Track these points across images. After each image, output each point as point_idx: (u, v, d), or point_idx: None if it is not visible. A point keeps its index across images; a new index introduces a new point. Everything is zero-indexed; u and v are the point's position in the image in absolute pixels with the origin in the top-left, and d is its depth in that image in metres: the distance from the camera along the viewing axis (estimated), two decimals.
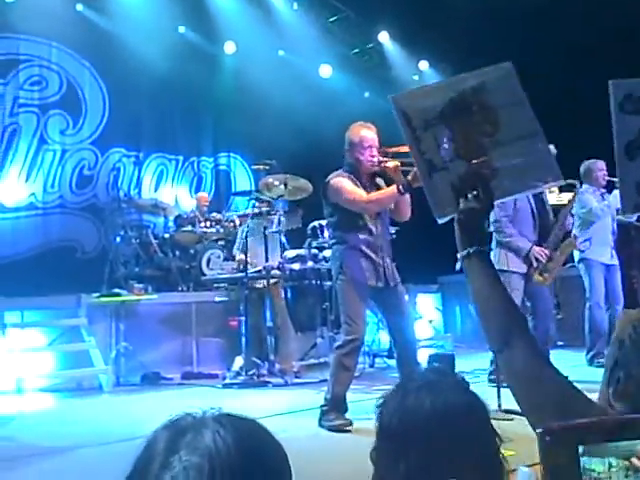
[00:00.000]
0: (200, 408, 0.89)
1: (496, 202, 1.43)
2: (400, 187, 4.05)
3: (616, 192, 5.91)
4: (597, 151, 6.06)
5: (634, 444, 0.97)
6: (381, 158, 4.25)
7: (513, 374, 1.33)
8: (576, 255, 6.19)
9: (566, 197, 6.27)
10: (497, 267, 4.58)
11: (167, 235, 7.66)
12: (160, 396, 5.58)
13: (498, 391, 4.22)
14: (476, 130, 1.44)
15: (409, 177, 3.98)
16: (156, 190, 9.50)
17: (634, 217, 5.93)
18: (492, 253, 5.31)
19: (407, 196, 4.21)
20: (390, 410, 1.24)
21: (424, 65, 10.81)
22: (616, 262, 6.10)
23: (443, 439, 1.17)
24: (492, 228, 5.18)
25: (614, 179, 5.94)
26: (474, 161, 1.41)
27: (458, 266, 1.44)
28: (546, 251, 5.23)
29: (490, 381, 5.10)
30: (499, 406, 4.14)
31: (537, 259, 5.19)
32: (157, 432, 0.87)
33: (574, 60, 8.32)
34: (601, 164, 6.06)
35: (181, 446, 0.82)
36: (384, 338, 6.88)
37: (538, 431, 0.90)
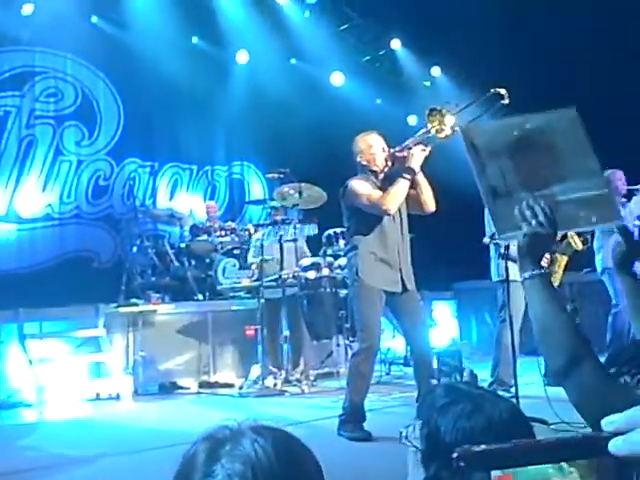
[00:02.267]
0: (235, 419, 0.91)
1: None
2: (405, 174, 4.12)
3: (635, 198, 5.87)
4: (613, 161, 6.07)
5: (546, 469, 0.98)
6: (393, 150, 4.29)
7: (585, 395, 1.34)
8: (598, 264, 6.13)
9: None
10: (499, 278, 4.59)
11: (183, 244, 7.71)
12: (178, 405, 5.61)
13: (516, 399, 4.21)
14: (540, 165, 1.53)
15: (408, 161, 4.10)
16: (171, 199, 9.56)
17: None
18: (492, 264, 5.29)
19: (427, 186, 4.24)
20: (444, 428, 1.19)
21: (436, 71, 10.81)
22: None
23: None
24: (492, 241, 5.14)
25: (634, 187, 5.90)
26: (538, 192, 1.51)
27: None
28: (547, 255, 5.19)
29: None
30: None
31: None
32: (195, 445, 0.88)
33: (585, 67, 8.30)
34: (620, 174, 6.02)
35: (222, 455, 0.83)
36: (400, 346, 6.87)
37: (453, 456, 0.93)
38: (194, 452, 0.86)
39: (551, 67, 8.54)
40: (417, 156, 4.12)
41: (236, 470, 0.82)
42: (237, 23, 9.42)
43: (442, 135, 3.98)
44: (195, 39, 9.63)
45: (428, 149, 4.13)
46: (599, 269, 6.13)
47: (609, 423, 0.51)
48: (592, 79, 8.12)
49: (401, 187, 4.17)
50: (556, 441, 0.54)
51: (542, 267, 1.46)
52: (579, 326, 1.45)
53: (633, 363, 1.53)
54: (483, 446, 0.64)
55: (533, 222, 1.47)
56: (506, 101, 4.01)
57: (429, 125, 4.06)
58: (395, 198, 4.19)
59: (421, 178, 4.23)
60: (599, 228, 1.49)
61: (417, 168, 4.15)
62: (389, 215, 4.24)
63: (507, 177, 1.55)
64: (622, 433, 0.49)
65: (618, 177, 6.00)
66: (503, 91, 3.85)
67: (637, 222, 5.34)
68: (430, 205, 4.32)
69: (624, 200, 6.05)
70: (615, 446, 0.48)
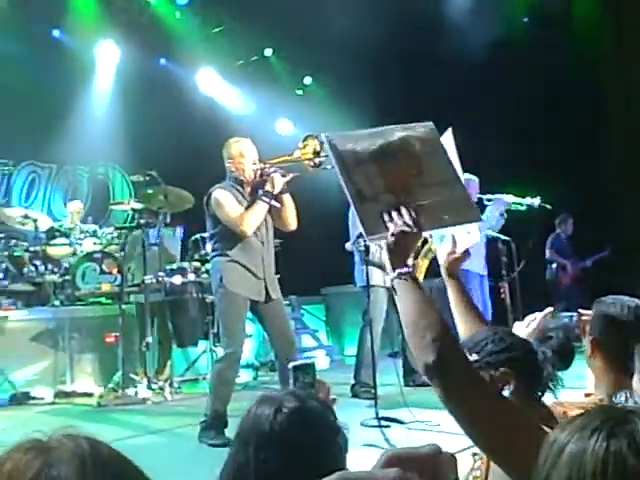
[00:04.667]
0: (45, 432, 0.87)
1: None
2: (263, 197, 4.15)
3: (490, 208, 6.23)
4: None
5: None
6: (262, 165, 4.31)
7: (451, 382, 1.36)
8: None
9: None
10: (362, 283, 4.74)
11: (39, 248, 7.25)
12: (30, 417, 5.28)
13: (375, 400, 4.35)
14: (403, 172, 1.65)
15: (267, 186, 4.12)
16: (27, 200, 9.03)
17: (498, 228, 6.27)
18: (356, 269, 5.45)
19: (290, 206, 4.29)
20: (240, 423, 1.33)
21: (308, 80, 10.99)
22: (486, 272, 6.42)
23: (277, 445, 1.25)
24: (353, 246, 5.30)
25: (484, 197, 6.26)
26: (403, 196, 1.61)
27: (388, 282, 1.60)
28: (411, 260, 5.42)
29: (353, 394, 5.24)
30: (376, 414, 4.27)
31: None
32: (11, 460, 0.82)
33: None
34: (474, 182, 6.33)
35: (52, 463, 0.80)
36: (267, 350, 6.88)
37: None
38: (16, 466, 0.80)
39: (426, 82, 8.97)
40: (277, 182, 4.18)
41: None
42: (105, 17, 9.05)
43: (311, 164, 4.05)
44: (57, 32, 9.15)
45: (289, 177, 4.18)
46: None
47: None
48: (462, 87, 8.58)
49: (259, 210, 4.21)
50: None
51: (410, 266, 1.51)
52: (447, 323, 1.46)
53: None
54: None
55: (400, 222, 1.54)
56: None
57: (301, 151, 4.11)
58: (252, 221, 4.22)
59: (286, 197, 4.28)
60: (461, 227, 1.76)
61: (276, 192, 4.19)
62: (246, 236, 4.24)
63: (373, 182, 1.64)
64: None
65: (472, 185, 6.32)
66: None
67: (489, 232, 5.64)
68: (291, 224, 4.40)
69: None
70: None
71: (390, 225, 1.55)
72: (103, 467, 0.82)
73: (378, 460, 0.57)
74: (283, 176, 4.18)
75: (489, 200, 6.17)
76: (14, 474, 0.80)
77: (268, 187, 4.18)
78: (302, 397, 1.39)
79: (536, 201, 6.16)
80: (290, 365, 1.69)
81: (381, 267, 5.33)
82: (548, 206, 6.19)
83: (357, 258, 5.44)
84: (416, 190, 1.63)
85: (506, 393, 1.55)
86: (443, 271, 1.87)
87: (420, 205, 1.60)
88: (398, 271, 1.49)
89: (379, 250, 5.31)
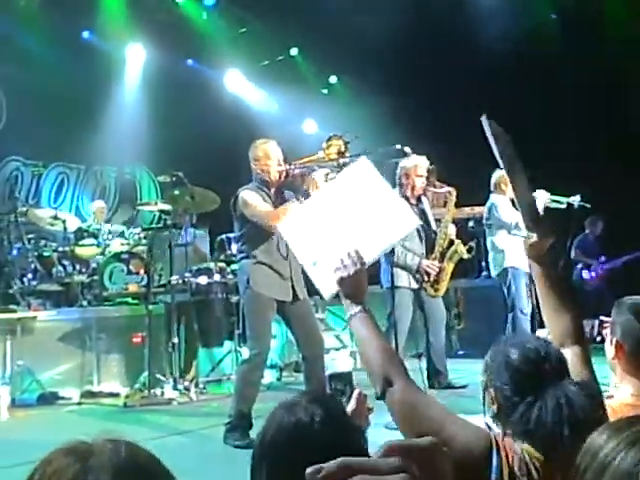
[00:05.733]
0: (87, 435, 0.89)
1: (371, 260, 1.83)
2: (301, 197, 4.14)
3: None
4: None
5: None
6: (287, 167, 4.31)
7: (395, 409, 1.56)
8: (492, 265, 6.16)
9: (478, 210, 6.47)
10: (388, 285, 4.69)
11: (67, 248, 7.33)
12: (58, 417, 5.35)
13: None
14: (345, 218, 1.88)
15: (304, 186, 4.11)
16: (56, 200, 9.17)
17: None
18: (382, 271, 5.39)
19: None
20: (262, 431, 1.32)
21: (334, 79, 10.99)
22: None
23: (290, 453, 1.23)
24: None
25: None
26: (344, 239, 1.81)
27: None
28: (436, 263, 5.37)
29: (377, 397, 5.17)
30: None
31: (427, 272, 5.30)
32: (52, 462, 0.85)
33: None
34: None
35: (91, 468, 0.82)
36: (291, 351, 6.87)
37: None
38: (56, 469, 0.83)
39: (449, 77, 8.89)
40: (318, 180, 4.12)
41: None
42: (132, 19, 9.13)
43: (335, 165, 4.05)
44: (86, 34, 9.26)
45: (332, 175, 4.14)
46: (495, 269, 6.11)
47: (314, 470, 0.59)
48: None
49: (292, 209, 4.16)
50: None
51: (361, 304, 1.68)
52: (393, 351, 1.69)
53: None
54: None
55: (342, 267, 1.70)
56: (409, 157, 4.31)
57: (325, 152, 4.11)
58: (282, 218, 4.16)
59: None
60: (405, 234, 2.00)
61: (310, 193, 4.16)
62: (273, 232, 4.21)
63: (322, 245, 1.88)
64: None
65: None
66: (408, 149, 4.26)
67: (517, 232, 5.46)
68: None
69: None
70: None
71: (337, 274, 1.71)
72: (138, 475, 0.84)
73: (378, 450, 0.60)
74: (326, 174, 4.14)
75: None
76: (53, 477, 0.84)
77: (310, 188, 4.12)
78: (325, 402, 1.37)
79: (576, 200, 6.14)
80: (327, 373, 1.78)
81: (406, 269, 5.29)
82: (587, 205, 6.14)
83: (383, 259, 5.40)
84: (356, 227, 1.84)
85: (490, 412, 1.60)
86: (527, 256, 1.85)
87: (361, 237, 1.81)
88: (352, 312, 1.67)
89: (405, 252, 5.28)
